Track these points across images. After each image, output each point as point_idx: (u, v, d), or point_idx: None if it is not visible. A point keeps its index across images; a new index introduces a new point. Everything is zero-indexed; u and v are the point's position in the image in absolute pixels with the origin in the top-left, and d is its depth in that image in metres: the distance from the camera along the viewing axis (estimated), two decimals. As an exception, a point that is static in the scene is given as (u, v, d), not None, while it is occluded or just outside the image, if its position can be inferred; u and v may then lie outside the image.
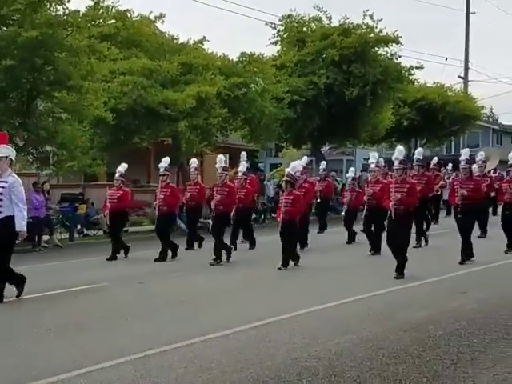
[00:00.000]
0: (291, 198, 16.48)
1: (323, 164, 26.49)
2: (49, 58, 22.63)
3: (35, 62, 22.23)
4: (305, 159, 22.17)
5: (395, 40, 36.77)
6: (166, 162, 19.14)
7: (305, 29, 38.19)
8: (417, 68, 39.90)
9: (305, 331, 9.87)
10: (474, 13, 53.83)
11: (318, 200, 25.19)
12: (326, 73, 35.61)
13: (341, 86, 36.01)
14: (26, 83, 23.34)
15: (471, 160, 18.44)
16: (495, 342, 9.22)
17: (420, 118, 44.56)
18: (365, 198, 19.80)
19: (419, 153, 21.37)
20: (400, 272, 14.48)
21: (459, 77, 53.26)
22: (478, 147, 60.77)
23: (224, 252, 17.66)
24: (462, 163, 17.12)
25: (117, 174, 19.24)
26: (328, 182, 26.65)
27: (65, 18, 23.05)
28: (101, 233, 26.31)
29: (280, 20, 38.13)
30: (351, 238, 22.18)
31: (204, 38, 31.90)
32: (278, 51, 38.54)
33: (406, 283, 13.92)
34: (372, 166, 19.70)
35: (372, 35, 36.71)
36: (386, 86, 37.23)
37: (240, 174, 20.84)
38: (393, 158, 15.09)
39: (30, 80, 23.26)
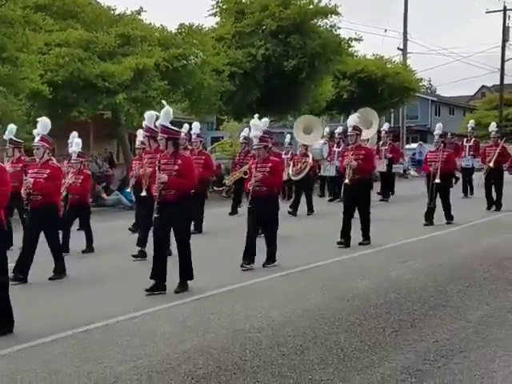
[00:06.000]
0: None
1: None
2: (-18, 29, 22.16)
3: (-31, 33, 21.79)
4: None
5: (334, 11, 36.71)
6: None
7: (244, 0, 37.97)
8: (356, 40, 39.68)
9: (247, 303, 9.92)
10: (413, -17, 54.18)
11: None
12: (264, 44, 35.47)
13: (279, 57, 35.82)
14: (-41, 55, 22.83)
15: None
16: (434, 309, 9.40)
17: (360, 91, 44.66)
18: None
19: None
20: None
21: (398, 48, 53.54)
22: (417, 119, 61.67)
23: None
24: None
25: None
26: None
27: (-2, -13, 22.62)
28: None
29: (219, -9, 37.83)
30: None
31: (141, 8, 31.42)
32: (217, 23, 38.26)
33: (347, 254, 14.06)
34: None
35: (311, 6, 36.61)
36: (324, 58, 37.17)
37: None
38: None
39: (-36, 52, 22.77)
